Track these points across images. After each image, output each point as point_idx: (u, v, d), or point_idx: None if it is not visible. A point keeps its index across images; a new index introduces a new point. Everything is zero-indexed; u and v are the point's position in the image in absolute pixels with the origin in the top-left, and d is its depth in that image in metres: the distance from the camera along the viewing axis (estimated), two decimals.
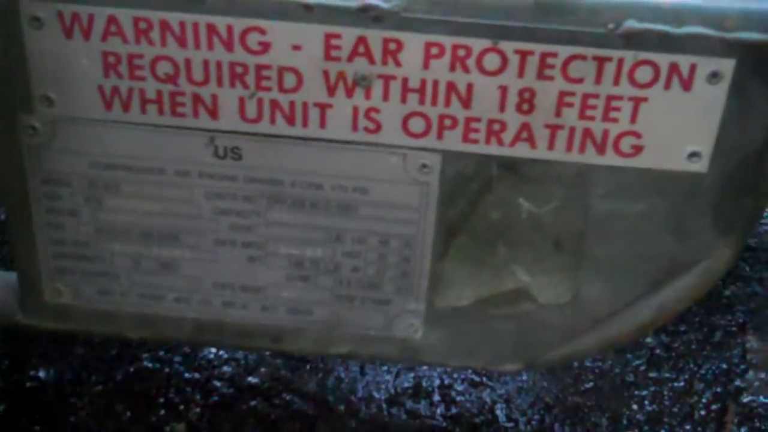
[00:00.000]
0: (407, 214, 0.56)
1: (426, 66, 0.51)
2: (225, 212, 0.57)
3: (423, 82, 0.51)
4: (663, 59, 0.49)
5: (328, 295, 0.60)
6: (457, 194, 0.55)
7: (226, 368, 0.90)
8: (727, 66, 0.49)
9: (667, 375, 0.92)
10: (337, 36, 0.50)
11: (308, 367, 0.91)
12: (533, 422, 0.86)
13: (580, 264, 0.57)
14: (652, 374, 0.92)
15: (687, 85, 0.50)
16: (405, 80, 0.51)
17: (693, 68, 0.49)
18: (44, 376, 0.88)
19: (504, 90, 0.51)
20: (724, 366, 0.93)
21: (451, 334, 0.61)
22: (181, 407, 0.86)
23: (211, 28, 0.51)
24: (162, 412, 0.86)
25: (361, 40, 0.50)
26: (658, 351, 0.95)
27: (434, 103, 0.52)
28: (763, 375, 0.93)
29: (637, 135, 0.52)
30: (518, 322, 0.60)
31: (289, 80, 0.52)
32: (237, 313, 0.61)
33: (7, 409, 0.85)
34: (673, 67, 0.49)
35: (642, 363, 0.93)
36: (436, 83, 0.51)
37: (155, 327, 0.62)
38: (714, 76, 0.49)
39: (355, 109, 0.53)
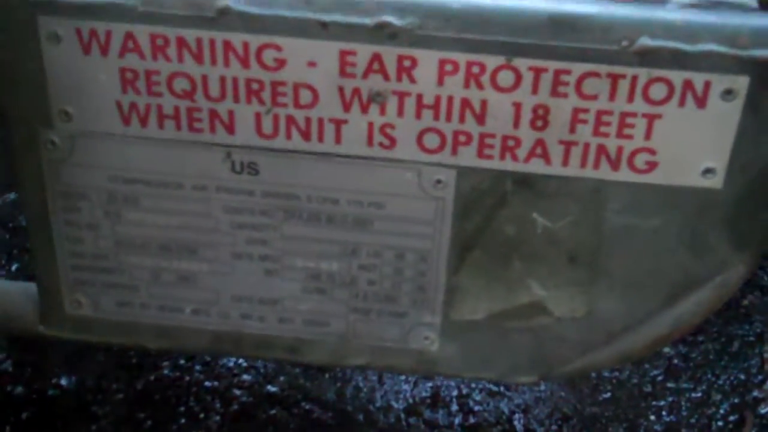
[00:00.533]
0: (422, 228, 0.56)
1: (440, 82, 0.51)
2: (242, 226, 0.58)
3: (437, 98, 0.52)
4: (677, 76, 0.49)
5: (344, 308, 0.60)
6: (472, 209, 0.55)
7: (245, 377, 0.90)
8: (741, 83, 0.49)
9: (684, 385, 0.92)
10: (352, 53, 0.51)
11: (327, 376, 0.91)
12: None
13: (595, 278, 0.57)
14: (669, 384, 0.92)
15: (701, 102, 0.50)
16: (419, 96, 0.52)
17: (707, 85, 0.49)
18: (65, 383, 0.89)
19: (518, 106, 0.51)
20: (742, 376, 0.93)
21: (466, 346, 0.61)
22: (201, 415, 0.87)
23: (228, 45, 0.51)
24: (182, 420, 0.86)
25: (376, 56, 0.51)
26: (675, 361, 0.94)
27: (449, 119, 0.52)
28: None
29: (652, 151, 0.52)
30: (534, 335, 0.60)
31: (305, 96, 0.52)
32: (254, 325, 0.61)
33: (29, 417, 0.86)
34: (687, 85, 0.49)
35: (660, 373, 0.93)
36: (450, 99, 0.52)
37: (174, 338, 0.63)
38: (728, 94, 0.49)
39: (370, 125, 0.53)
